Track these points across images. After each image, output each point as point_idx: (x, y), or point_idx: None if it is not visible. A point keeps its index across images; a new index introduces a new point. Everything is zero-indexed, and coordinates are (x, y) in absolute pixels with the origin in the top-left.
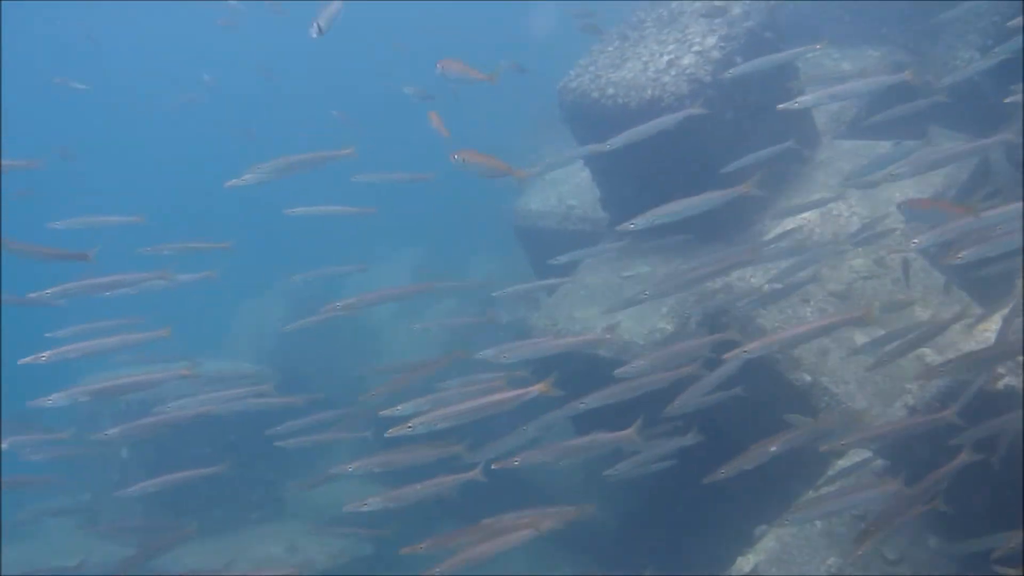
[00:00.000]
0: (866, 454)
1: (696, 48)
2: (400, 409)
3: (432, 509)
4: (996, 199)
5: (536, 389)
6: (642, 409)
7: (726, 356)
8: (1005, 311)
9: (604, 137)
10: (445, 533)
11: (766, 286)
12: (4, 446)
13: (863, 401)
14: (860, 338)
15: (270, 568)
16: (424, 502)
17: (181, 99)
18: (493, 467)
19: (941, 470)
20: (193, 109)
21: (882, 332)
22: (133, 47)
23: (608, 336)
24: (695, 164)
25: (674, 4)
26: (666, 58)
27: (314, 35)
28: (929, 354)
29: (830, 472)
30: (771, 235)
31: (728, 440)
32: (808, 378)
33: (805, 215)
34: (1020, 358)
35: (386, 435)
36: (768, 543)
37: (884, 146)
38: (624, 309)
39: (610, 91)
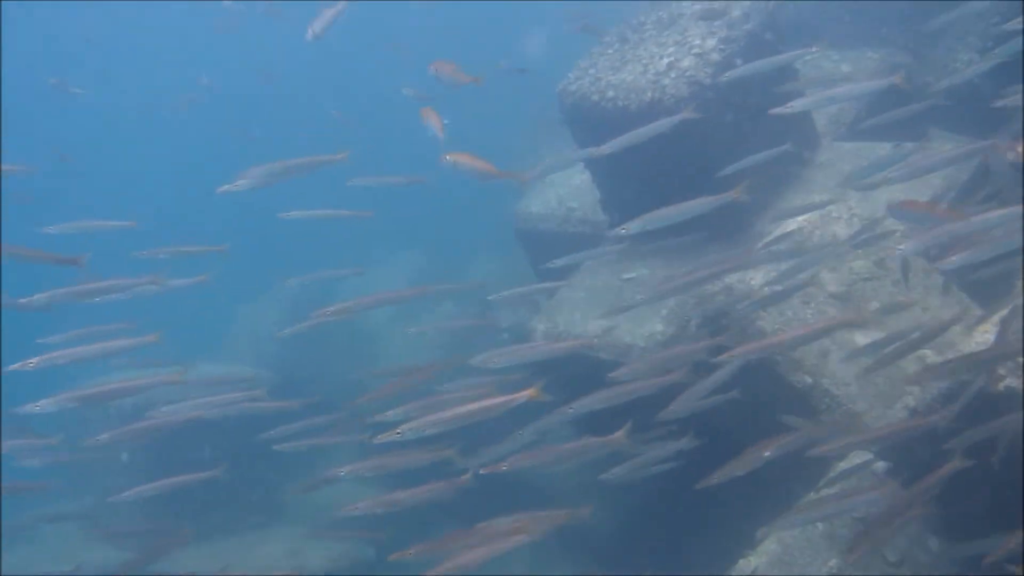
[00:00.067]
0: (867, 456)
1: (696, 50)
2: (391, 415)
3: (431, 511)
4: (996, 200)
5: (525, 395)
6: (642, 411)
7: (715, 360)
8: (1004, 312)
9: (604, 139)
10: (434, 539)
11: (765, 289)
12: (4, 450)
13: (864, 403)
14: (861, 340)
15: (269, 572)
16: (417, 507)
17: (181, 102)
18: (481, 472)
19: (932, 476)
20: (192, 111)
21: (882, 334)
22: (131, 48)
23: (594, 341)
24: (695, 166)
25: (674, 6)
26: (666, 60)
27: (309, 39)
28: (930, 355)
29: (831, 474)
30: (772, 237)
31: (729, 442)
32: (809, 380)
33: (804, 217)
34: (1020, 359)
35: (375, 441)
36: (769, 545)
37: (884, 148)
38: (618, 314)
39: (610, 93)
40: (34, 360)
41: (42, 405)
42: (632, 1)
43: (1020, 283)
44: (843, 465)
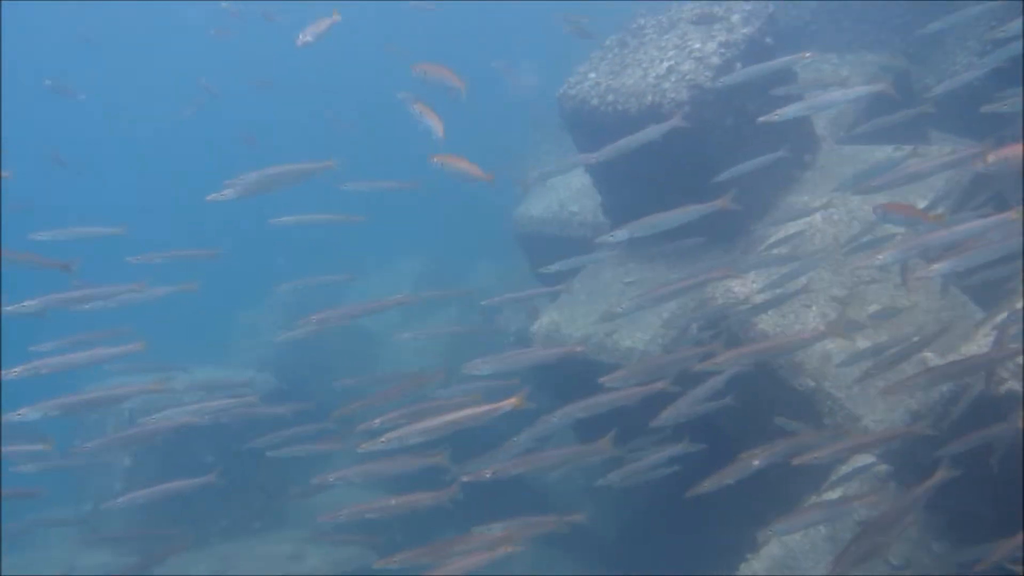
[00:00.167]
0: (869, 459)
1: (696, 54)
2: (377, 423)
3: (430, 514)
4: (996, 203)
5: (509, 403)
6: (642, 416)
7: (697, 367)
8: (1003, 315)
9: (604, 144)
10: (421, 546)
11: (757, 297)
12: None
13: (866, 406)
14: (863, 343)
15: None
16: (404, 514)
17: (188, 109)
18: (464, 479)
19: (922, 486)
20: (191, 115)
21: (884, 337)
22: (131, 49)
23: (580, 348)
24: (696, 169)
25: (673, 10)
26: (666, 64)
27: (299, 45)
28: (931, 358)
29: (833, 477)
30: (772, 240)
31: (731, 445)
32: (811, 383)
33: (805, 220)
34: (1021, 361)
35: (358, 450)
36: (772, 548)
37: (885, 151)
38: (608, 321)
39: (610, 98)
40: (16, 369)
41: (24, 413)
42: (630, 2)
43: (1021, 286)
44: (845, 468)
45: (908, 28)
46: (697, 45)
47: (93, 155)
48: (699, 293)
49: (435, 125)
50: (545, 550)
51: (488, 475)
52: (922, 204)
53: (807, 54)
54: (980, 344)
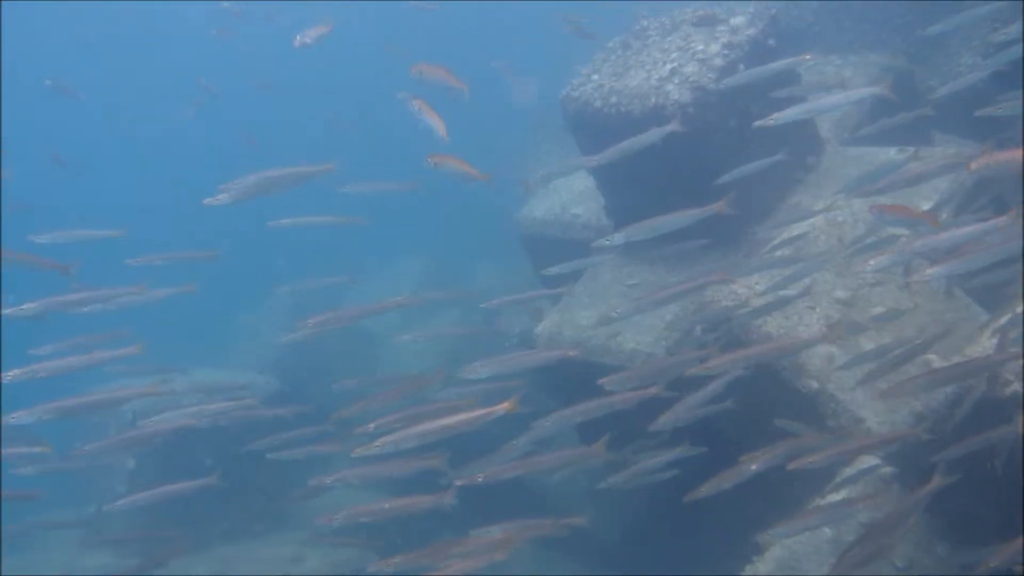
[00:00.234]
0: (874, 461)
1: (699, 56)
2: (372, 427)
3: (432, 516)
4: (998, 206)
5: (502, 408)
6: (645, 419)
7: (690, 372)
8: (1005, 318)
9: (607, 145)
10: (416, 550)
11: (756, 300)
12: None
13: (869, 408)
14: (866, 344)
15: None
16: (400, 518)
17: (190, 109)
18: (457, 484)
19: (917, 493)
20: (192, 116)
21: (889, 339)
22: (131, 48)
23: (572, 353)
24: (699, 171)
25: (676, 12)
26: (669, 66)
27: (296, 46)
28: (935, 360)
29: (837, 479)
30: (776, 242)
31: (734, 447)
32: (815, 385)
33: (809, 222)
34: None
35: (352, 455)
36: (776, 551)
37: (889, 152)
38: (606, 325)
39: (613, 99)
40: (14, 372)
41: (18, 417)
42: (629, 2)
43: (1022, 290)
44: (849, 470)
45: (911, 28)
46: (700, 47)
47: (93, 155)
48: (702, 295)
49: (436, 124)
50: (546, 552)
51: (480, 479)
52: (926, 206)
53: (808, 56)
54: (984, 346)
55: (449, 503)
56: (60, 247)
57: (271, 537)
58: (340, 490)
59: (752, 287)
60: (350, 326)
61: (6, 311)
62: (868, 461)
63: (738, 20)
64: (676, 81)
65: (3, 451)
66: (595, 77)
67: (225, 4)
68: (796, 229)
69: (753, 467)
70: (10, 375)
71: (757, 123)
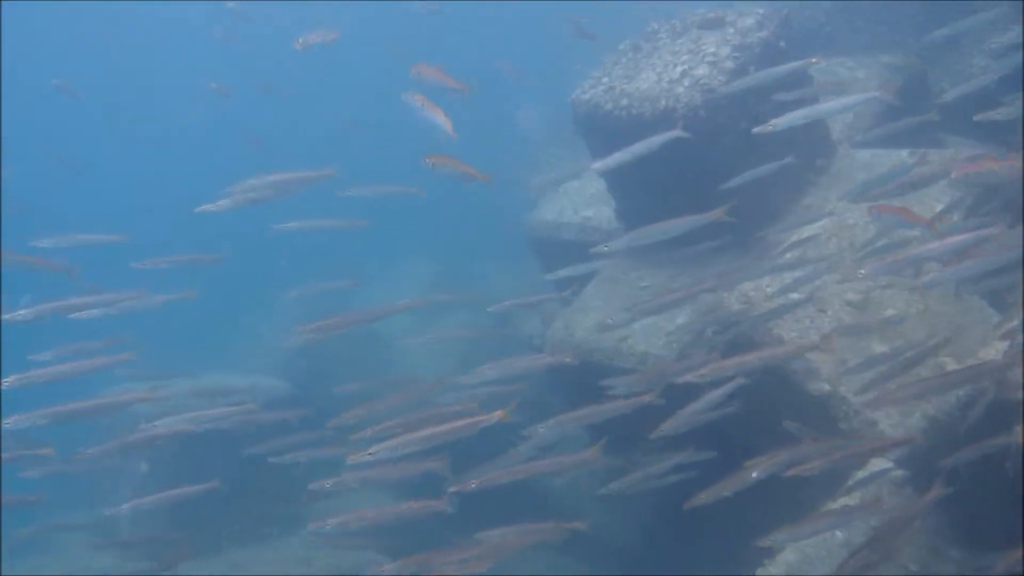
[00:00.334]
0: (886, 464)
1: (710, 59)
2: (369, 433)
3: (444, 518)
4: (1006, 210)
5: (496, 416)
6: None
7: (683, 379)
8: (1014, 322)
9: (618, 148)
10: (411, 556)
11: (771, 301)
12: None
13: (881, 411)
14: (878, 347)
15: None
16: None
17: (195, 110)
18: (451, 491)
19: (919, 500)
20: (193, 115)
21: (901, 342)
22: (131, 48)
23: (567, 359)
24: (710, 174)
25: (686, 15)
26: (680, 69)
27: (297, 48)
28: (949, 362)
29: (850, 482)
30: (787, 244)
31: (744, 451)
32: (827, 388)
33: (820, 224)
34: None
35: (348, 462)
36: (788, 555)
37: (900, 155)
38: (606, 331)
39: (624, 102)
40: (11, 378)
41: (15, 421)
42: (631, 2)
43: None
44: (862, 473)
45: (924, 29)
46: (711, 49)
47: (94, 155)
48: (714, 298)
49: (441, 120)
50: (559, 555)
51: (474, 486)
52: (938, 208)
53: (815, 59)
54: (996, 349)
55: (445, 509)
56: (62, 251)
57: (282, 540)
58: (352, 492)
59: (763, 289)
60: (360, 329)
61: (4, 316)
62: (880, 464)
63: (749, 22)
64: (687, 84)
65: (7, 455)
66: (605, 80)
67: (229, 4)
68: (807, 231)
69: (754, 474)
70: (7, 381)
71: (756, 129)
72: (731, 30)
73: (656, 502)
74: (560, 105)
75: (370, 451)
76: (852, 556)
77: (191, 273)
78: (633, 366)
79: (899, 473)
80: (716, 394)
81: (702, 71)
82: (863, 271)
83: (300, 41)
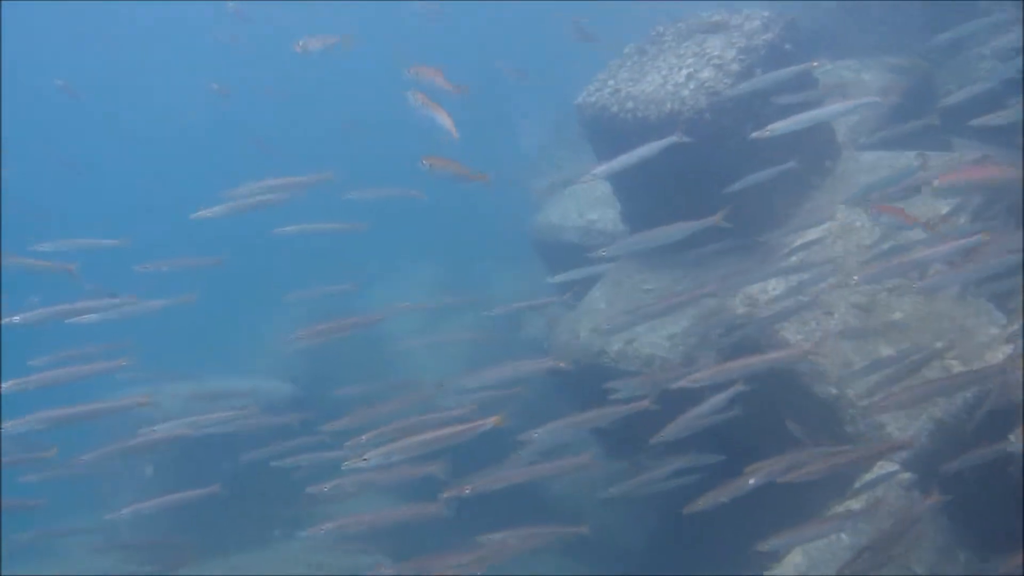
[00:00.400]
0: (893, 467)
1: (715, 61)
2: (364, 439)
3: (453, 520)
4: (1011, 214)
5: (490, 422)
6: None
7: (675, 385)
8: (1015, 327)
9: (624, 151)
10: (417, 558)
11: (777, 304)
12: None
13: (889, 414)
14: (885, 350)
15: None
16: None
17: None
18: (444, 496)
19: (917, 509)
20: (197, 117)
21: (908, 344)
22: (132, 49)
23: (562, 364)
24: (715, 177)
25: (692, 18)
26: (685, 72)
27: (297, 51)
28: (956, 365)
29: (857, 484)
30: (793, 246)
31: (751, 452)
32: (834, 391)
33: (826, 227)
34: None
35: (342, 467)
36: (794, 558)
37: (907, 157)
38: (607, 336)
39: (629, 105)
40: (8, 384)
41: (10, 426)
42: (638, 1)
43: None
44: (869, 476)
45: (930, 31)
46: (716, 52)
47: (94, 155)
48: (719, 300)
49: (443, 120)
50: (565, 557)
51: (468, 491)
52: (944, 211)
53: (816, 63)
54: (1004, 352)
55: (440, 513)
56: (62, 255)
57: (285, 543)
58: (355, 495)
59: (769, 292)
60: (367, 331)
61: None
62: (886, 467)
63: (754, 24)
64: (692, 86)
65: (7, 459)
66: (611, 83)
67: (231, 5)
68: (812, 234)
69: (751, 481)
70: (7, 386)
71: (754, 134)
72: (736, 33)
73: (662, 504)
74: (564, 107)
75: (365, 457)
76: (853, 559)
77: (193, 275)
78: (639, 369)
79: (906, 476)
80: (717, 399)
81: (707, 74)
82: (856, 278)
83: (300, 44)
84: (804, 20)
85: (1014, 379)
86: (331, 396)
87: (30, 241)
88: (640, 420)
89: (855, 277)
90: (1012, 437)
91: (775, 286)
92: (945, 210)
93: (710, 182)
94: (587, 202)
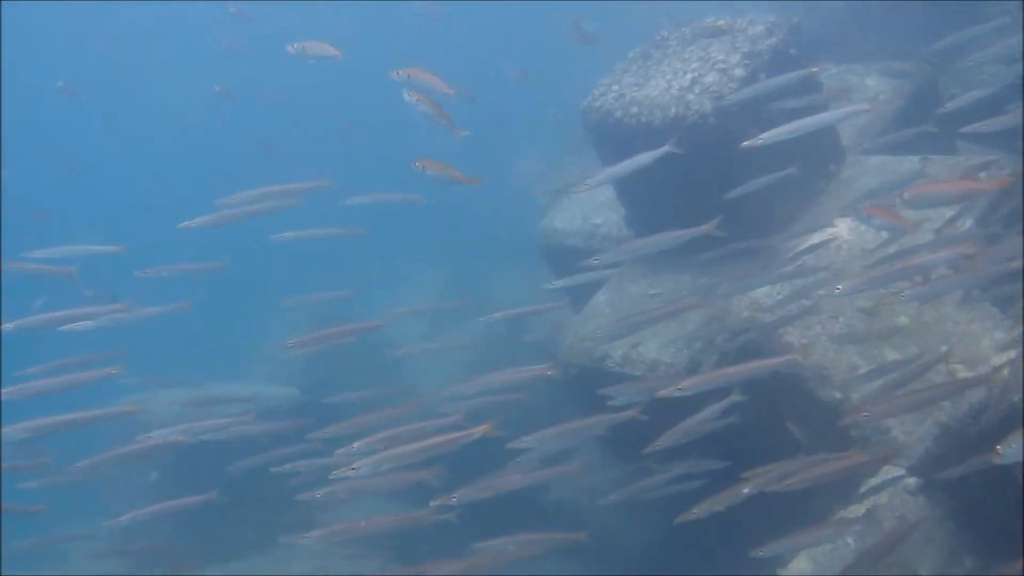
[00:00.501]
0: (899, 471)
1: (720, 66)
2: (356, 447)
3: (457, 524)
4: (1012, 220)
5: (479, 431)
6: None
7: (660, 393)
8: (1015, 332)
9: (629, 156)
10: (413, 563)
11: (777, 309)
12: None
13: (894, 418)
14: (891, 355)
15: None
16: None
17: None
18: (432, 505)
19: (906, 523)
20: (197, 117)
21: (915, 348)
22: (132, 49)
23: (550, 372)
24: (719, 181)
25: (696, 22)
26: (690, 76)
27: (290, 52)
28: (961, 369)
29: (862, 489)
30: (797, 251)
31: (755, 454)
32: (839, 395)
33: (832, 230)
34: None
35: (330, 477)
36: (800, 563)
37: (911, 161)
38: (607, 343)
39: (634, 110)
40: (7, 390)
41: (6, 433)
42: (634, 1)
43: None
44: (874, 480)
45: (934, 35)
46: (721, 56)
47: (94, 156)
48: (725, 305)
49: (442, 118)
50: (566, 561)
51: (455, 500)
52: (948, 215)
53: (815, 68)
54: (1009, 356)
55: (430, 521)
56: (56, 261)
57: (298, 548)
58: (355, 498)
59: (773, 296)
60: (370, 336)
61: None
62: (892, 472)
63: (759, 29)
64: (697, 91)
65: (6, 465)
66: (615, 87)
67: (231, 6)
68: (816, 238)
69: (745, 490)
70: (6, 392)
71: (745, 143)
72: (741, 37)
73: (667, 506)
74: (567, 108)
75: (354, 466)
76: (853, 565)
77: (193, 279)
78: (643, 374)
79: (912, 480)
80: (713, 409)
81: (712, 78)
82: (840, 287)
83: (294, 46)
84: (809, 24)
85: (1015, 383)
86: (331, 402)
87: (30, 242)
88: (643, 423)
89: (839, 286)
90: (999, 448)
91: (779, 290)
92: (949, 214)
93: (714, 187)
94: (592, 206)
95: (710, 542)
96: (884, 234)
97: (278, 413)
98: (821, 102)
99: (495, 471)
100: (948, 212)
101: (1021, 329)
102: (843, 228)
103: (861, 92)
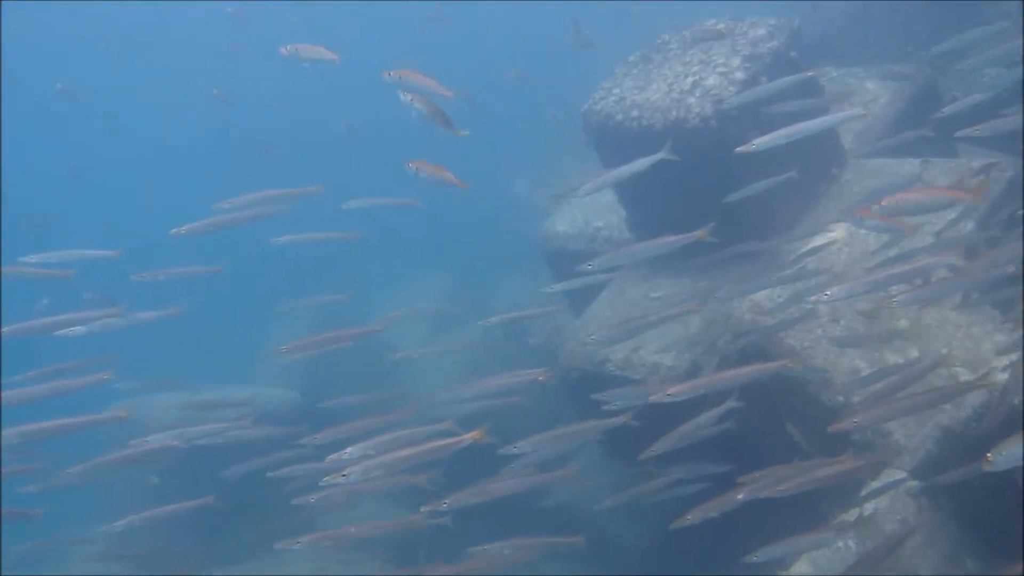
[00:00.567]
0: (900, 474)
1: (721, 69)
2: (348, 453)
3: (458, 528)
4: (1012, 223)
5: (470, 437)
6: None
7: (652, 399)
8: (1015, 335)
9: (629, 159)
10: (415, 567)
11: (777, 312)
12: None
13: (896, 422)
14: (892, 358)
15: None
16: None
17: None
18: (423, 510)
19: (898, 533)
20: (197, 118)
21: (916, 352)
22: (133, 50)
23: (542, 377)
24: (720, 184)
25: (697, 26)
26: (690, 79)
27: (284, 54)
28: (963, 372)
29: (864, 492)
30: (798, 253)
31: (757, 454)
32: (841, 399)
33: (833, 234)
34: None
35: (320, 483)
36: (801, 567)
37: (913, 164)
38: (604, 347)
39: (635, 113)
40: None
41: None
42: (634, 1)
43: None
44: (875, 483)
45: (935, 38)
46: (721, 60)
47: (93, 157)
48: (727, 308)
49: (431, 113)
50: (568, 563)
51: (446, 505)
52: (949, 217)
53: (814, 71)
54: (1010, 360)
55: (423, 526)
56: (53, 265)
57: (288, 552)
58: (348, 505)
59: (774, 299)
60: (369, 339)
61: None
62: (894, 475)
63: (759, 32)
64: (697, 94)
65: (5, 469)
66: (616, 90)
67: (229, 7)
68: (817, 241)
69: (739, 496)
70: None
71: (739, 149)
72: (742, 40)
73: (666, 510)
74: (569, 110)
75: (344, 472)
76: (856, 564)
77: (193, 282)
78: (644, 377)
79: (913, 483)
80: (710, 415)
81: (713, 81)
82: (829, 292)
83: (287, 48)
84: (809, 27)
85: (1016, 386)
86: (328, 406)
87: (30, 243)
88: (642, 427)
89: (827, 292)
90: (989, 455)
91: (780, 293)
92: (950, 216)
93: (715, 189)
94: (594, 210)
95: (710, 544)
96: (884, 237)
97: (276, 416)
98: (823, 105)
99: (489, 476)
100: (949, 214)
101: (1021, 332)
102: (843, 231)
103: (862, 95)
